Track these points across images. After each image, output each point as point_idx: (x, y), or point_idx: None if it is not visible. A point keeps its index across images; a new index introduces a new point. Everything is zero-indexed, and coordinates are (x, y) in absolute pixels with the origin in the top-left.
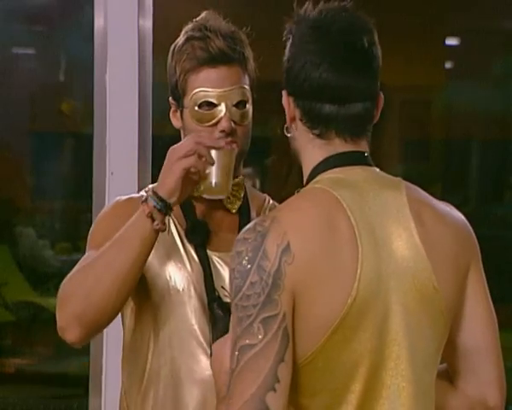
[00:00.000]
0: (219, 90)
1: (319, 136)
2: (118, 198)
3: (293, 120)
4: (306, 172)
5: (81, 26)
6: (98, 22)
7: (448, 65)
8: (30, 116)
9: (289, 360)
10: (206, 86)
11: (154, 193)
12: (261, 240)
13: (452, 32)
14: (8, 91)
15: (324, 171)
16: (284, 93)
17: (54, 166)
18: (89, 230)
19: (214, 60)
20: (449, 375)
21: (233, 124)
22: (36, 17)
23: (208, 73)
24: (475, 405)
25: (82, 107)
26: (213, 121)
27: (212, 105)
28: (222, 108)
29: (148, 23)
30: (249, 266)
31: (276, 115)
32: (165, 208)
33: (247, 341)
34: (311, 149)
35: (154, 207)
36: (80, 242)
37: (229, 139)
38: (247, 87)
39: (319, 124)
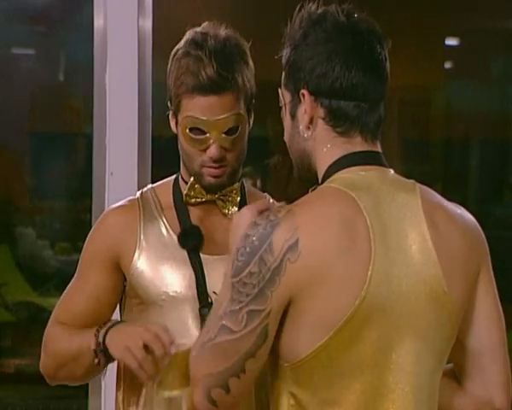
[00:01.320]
0: (209, 118)
1: (342, 134)
2: (108, 209)
3: (311, 120)
4: (320, 172)
5: (81, 27)
6: (98, 22)
7: (448, 65)
8: (29, 116)
9: (261, 356)
10: (197, 113)
11: (105, 336)
12: (271, 230)
13: (452, 33)
14: (7, 92)
15: (341, 169)
16: (305, 92)
17: (53, 166)
18: (88, 230)
19: (204, 89)
20: (455, 375)
21: (224, 150)
22: (36, 17)
23: (199, 101)
24: (482, 406)
25: (82, 107)
26: (202, 147)
27: (202, 131)
28: (211, 136)
29: (147, 23)
30: (252, 254)
31: (276, 115)
32: (107, 357)
33: (230, 324)
34: (328, 148)
35: (99, 347)
36: (80, 242)
37: (217, 165)
38: (240, 112)
39: (345, 122)
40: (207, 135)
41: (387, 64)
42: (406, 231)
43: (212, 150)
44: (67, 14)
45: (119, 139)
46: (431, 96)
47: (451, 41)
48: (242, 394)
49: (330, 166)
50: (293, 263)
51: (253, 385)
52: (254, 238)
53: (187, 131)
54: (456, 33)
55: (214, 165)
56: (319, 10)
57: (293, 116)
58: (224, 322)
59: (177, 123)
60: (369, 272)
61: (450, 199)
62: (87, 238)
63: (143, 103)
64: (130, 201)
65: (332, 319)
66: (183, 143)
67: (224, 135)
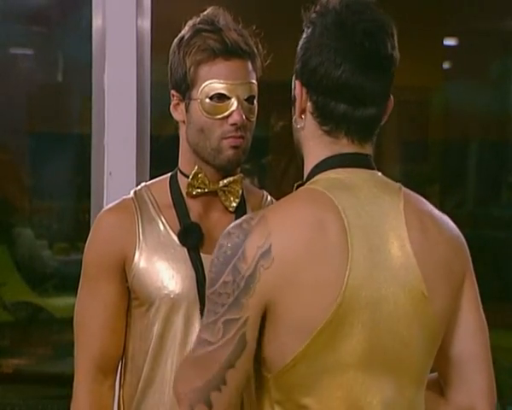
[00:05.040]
0: (232, 82)
1: (327, 133)
2: (103, 212)
3: (303, 111)
4: (307, 168)
5: (79, 27)
6: (96, 22)
7: (446, 65)
8: (28, 117)
9: (241, 366)
10: (219, 78)
11: None
12: (243, 238)
13: (450, 33)
14: (6, 92)
15: (325, 170)
16: (298, 83)
17: (52, 166)
18: (87, 230)
19: (229, 52)
20: (439, 385)
21: (244, 117)
22: (34, 17)
23: (222, 66)
24: None
25: (80, 107)
26: (225, 114)
27: (223, 97)
28: (234, 101)
29: (146, 23)
30: (225, 264)
31: (274, 115)
32: None
33: (207, 336)
34: (315, 144)
35: None
36: (78, 242)
37: (239, 134)
38: (255, 83)
39: (330, 122)
40: (230, 101)
41: (388, 65)
42: (386, 234)
43: (236, 116)
44: (66, 15)
45: (117, 139)
46: (429, 97)
47: (450, 41)
48: None
49: (315, 167)
50: (266, 269)
51: (238, 402)
52: (227, 248)
53: (207, 100)
54: (455, 34)
55: (236, 134)
56: (329, 2)
57: (294, 104)
58: (201, 335)
59: (187, 106)
60: (346, 277)
61: (447, 200)
62: (87, 246)
63: (142, 103)
64: (124, 201)
65: (309, 325)
66: (199, 118)
67: (245, 102)
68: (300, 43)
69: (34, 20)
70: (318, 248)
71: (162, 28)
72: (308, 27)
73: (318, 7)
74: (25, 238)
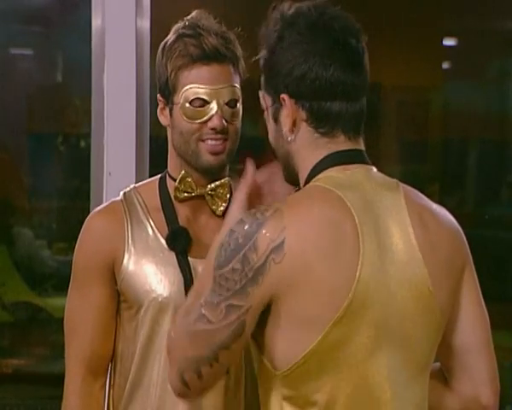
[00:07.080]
0: (211, 87)
1: (325, 134)
2: (92, 215)
3: (294, 123)
4: (303, 174)
5: (79, 27)
6: (96, 22)
7: (445, 65)
8: (27, 117)
9: (235, 349)
10: (199, 83)
11: None
12: (256, 229)
13: (450, 33)
14: (5, 92)
15: (326, 168)
16: (286, 97)
17: (51, 166)
18: None
19: (207, 57)
20: (442, 374)
21: (224, 122)
22: (33, 17)
23: (201, 70)
24: (469, 403)
25: (80, 107)
26: (204, 118)
27: (203, 102)
28: (213, 105)
29: (145, 23)
30: (236, 251)
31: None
32: None
33: (209, 315)
34: (310, 150)
35: None
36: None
37: (219, 136)
38: (237, 86)
39: (327, 122)
40: (210, 105)
41: (365, 58)
42: (392, 230)
43: (215, 120)
44: (65, 14)
45: (117, 139)
46: (428, 97)
47: (449, 41)
48: (214, 382)
49: (315, 166)
50: (277, 264)
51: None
52: (239, 235)
53: (187, 105)
54: (454, 34)
55: (215, 137)
56: (291, 10)
57: (276, 120)
58: (203, 311)
59: (171, 111)
60: (357, 273)
61: (447, 199)
62: (77, 249)
63: (141, 103)
64: (113, 203)
65: (320, 321)
66: (180, 123)
67: (225, 106)
68: (267, 60)
69: (34, 20)
70: (331, 246)
71: (162, 28)
72: (274, 42)
73: (279, 18)
74: (24, 238)
